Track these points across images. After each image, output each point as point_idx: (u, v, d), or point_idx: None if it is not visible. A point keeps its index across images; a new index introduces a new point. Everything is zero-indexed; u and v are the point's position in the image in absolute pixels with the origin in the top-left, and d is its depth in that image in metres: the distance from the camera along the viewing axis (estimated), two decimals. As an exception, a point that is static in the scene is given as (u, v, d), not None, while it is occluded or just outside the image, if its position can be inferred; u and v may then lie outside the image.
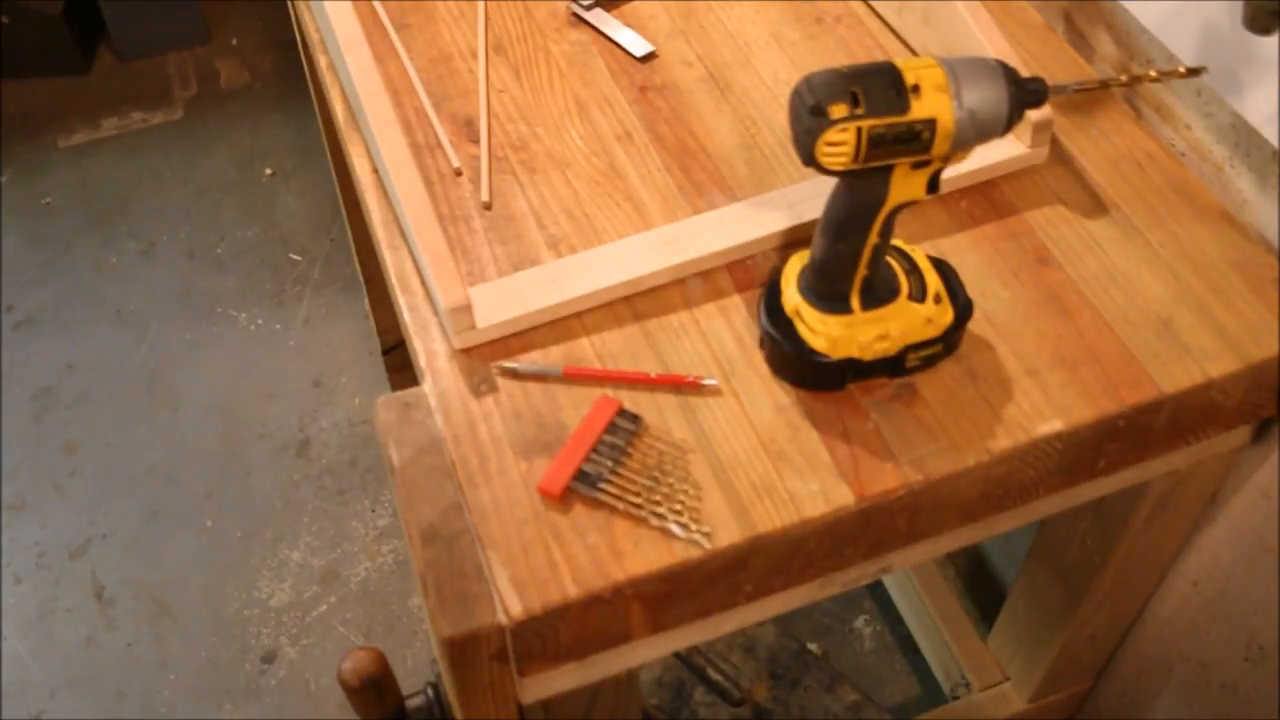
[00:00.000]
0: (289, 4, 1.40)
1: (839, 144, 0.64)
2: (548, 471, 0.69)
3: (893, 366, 0.73)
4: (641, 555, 0.66)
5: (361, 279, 1.60)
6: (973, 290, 0.78)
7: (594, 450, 0.69)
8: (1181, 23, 0.83)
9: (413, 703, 0.94)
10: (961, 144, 0.66)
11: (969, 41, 0.85)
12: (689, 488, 0.69)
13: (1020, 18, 0.96)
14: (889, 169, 0.66)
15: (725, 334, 0.76)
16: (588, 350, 0.75)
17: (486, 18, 0.97)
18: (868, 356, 0.72)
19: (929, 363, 0.74)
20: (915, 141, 0.65)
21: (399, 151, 0.78)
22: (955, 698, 1.30)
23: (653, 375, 0.73)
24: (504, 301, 0.76)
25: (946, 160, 0.67)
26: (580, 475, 0.69)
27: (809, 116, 0.64)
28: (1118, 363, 0.74)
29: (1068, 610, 1.06)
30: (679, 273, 0.79)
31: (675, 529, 0.67)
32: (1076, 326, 0.76)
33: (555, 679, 0.71)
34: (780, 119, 0.89)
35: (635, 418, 0.71)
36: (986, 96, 0.65)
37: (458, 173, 0.86)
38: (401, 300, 0.79)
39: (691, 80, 0.93)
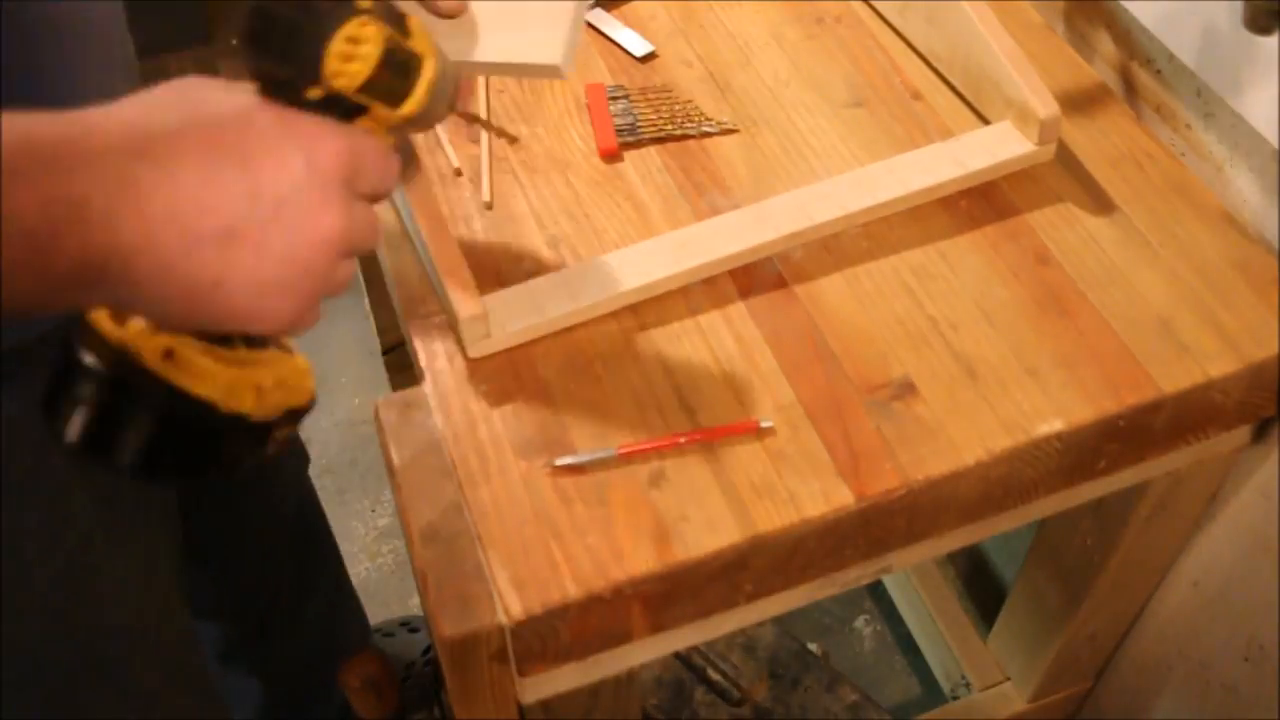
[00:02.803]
0: (289, 4, 1.41)
1: (360, 43, 0.51)
2: (597, 141, 0.86)
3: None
4: (641, 555, 0.66)
5: (361, 279, 1.60)
6: (973, 290, 0.78)
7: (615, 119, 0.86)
8: (1181, 23, 0.83)
9: (417, 716, 0.95)
10: (431, 109, 0.55)
11: (974, 42, 0.85)
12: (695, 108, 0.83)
13: (1020, 18, 0.96)
14: (350, 120, 0.53)
15: (726, 336, 0.76)
16: (592, 358, 0.75)
17: (486, 18, 0.97)
18: (261, 414, 0.53)
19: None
20: (405, 79, 0.54)
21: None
22: (955, 698, 1.30)
23: (712, 429, 0.71)
24: (518, 309, 0.76)
25: (399, 130, 0.56)
26: (619, 130, 0.85)
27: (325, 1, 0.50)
28: (1118, 363, 0.74)
29: (1068, 610, 1.06)
30: (690, 278, 0.78)
31: (708, 128, 0.85)
32: (1076, 326, 0.76)
33: (555, 679, 0.71)
34: (781, 119, 0.89)
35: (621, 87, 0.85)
36: (446, 60, 0.57)
37: (458, 173, 0.86)
38: (400, 302, 0.79)
39: (691, 80, 0.93)
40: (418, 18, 0.56)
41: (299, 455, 1.15)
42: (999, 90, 0.84)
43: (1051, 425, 0.72)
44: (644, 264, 0.78)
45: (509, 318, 0.75)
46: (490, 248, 0.81)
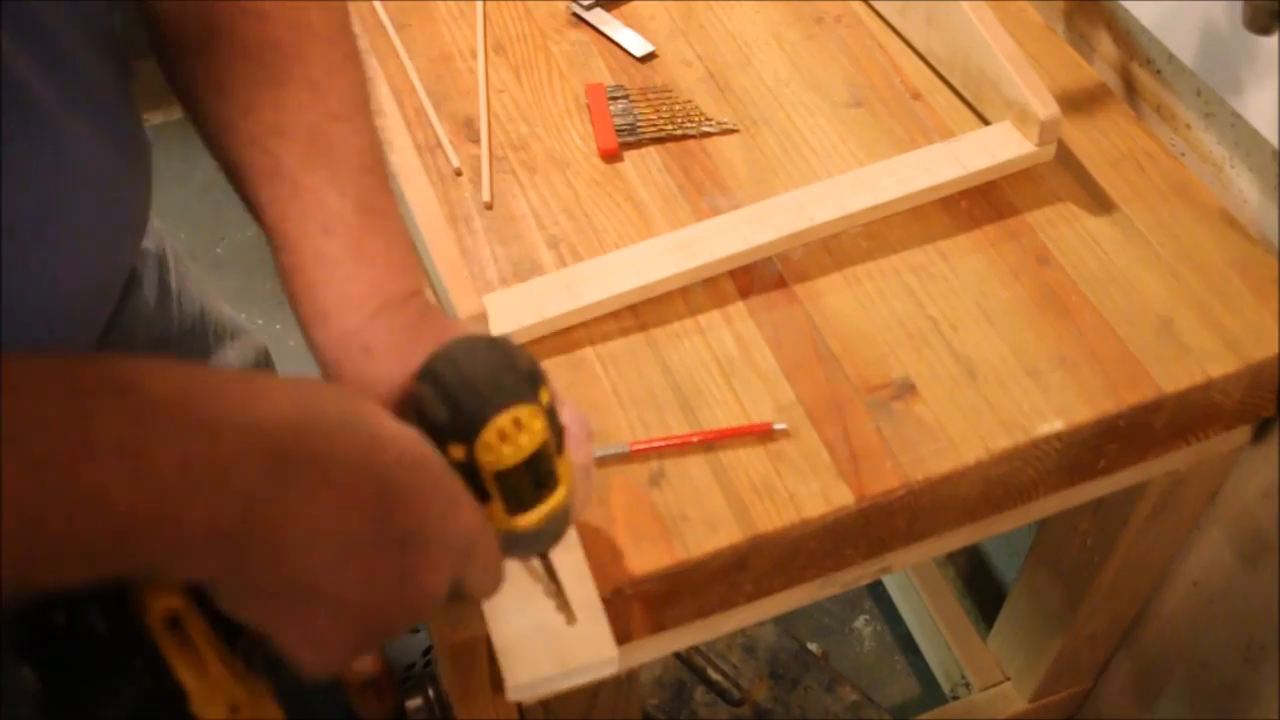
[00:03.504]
0: (289, 4, 1.40)
1: (522, 431, 0.49)
2: (598, 141, 0.87)
3: None
4: (641, 555, 0.66)
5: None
6: (973, 290, 0.78)
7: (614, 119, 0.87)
8: (1181, 23, 0.83)
9: (412, 703, 0.95)
10: (540, 537, 0.53)
11: (974, 42, 0.85)
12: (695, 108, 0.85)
13: (1020, 18, 0.96)
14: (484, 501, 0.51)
15: (726, 336, 0.76)
16: (592, 358, 0.75)
17: (486, 18, 0.97)
18: None
19: None
20: (536, 490, 0.52)
21: (409, 158, 0.78)
22: (955, 698, 1.30)
23: (723, 429, 0.70)
24: (518, 309, 0.76)
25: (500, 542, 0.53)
26: (619, 130, 0.86)
27: (515, 374, 0.50)
28: (1118, 363, 0.74)
29: (1068, 610, 1.06)
30: (691, 278, 0.78)
31: (708, 128, 0.86)
32: (1076, 326, 0.76)
33: (555, 679, 0.71)
34: (781, 119, 0.89)
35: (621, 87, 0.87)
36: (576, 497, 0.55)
37: (458, 173, 0.86)
38: (401, 300, 0.79)
39: (691, 80, 0.93)
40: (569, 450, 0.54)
41: None
42: (999, 91, 0.84)
43: (1051, 425, 0.72)
44: (644, 264, 0.78)
45: (509, 318, 0.75)
46: (490, 248, 0.81)
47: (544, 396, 0.50)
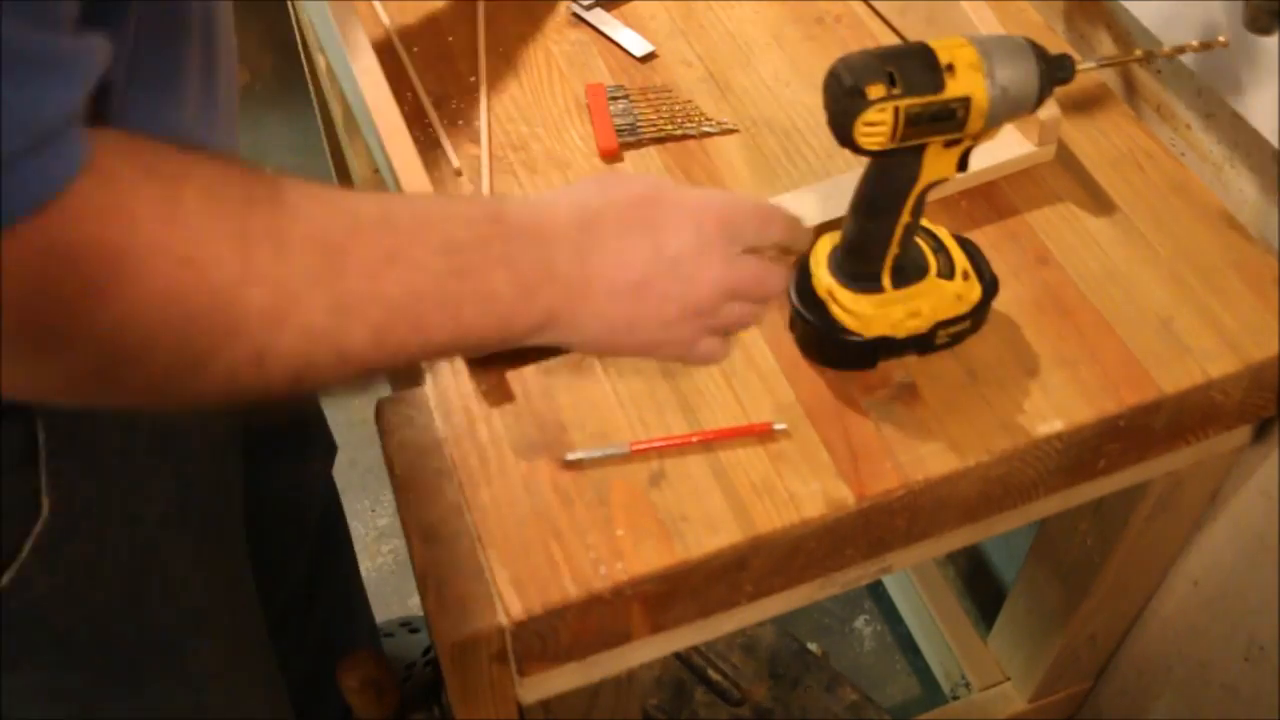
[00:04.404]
0: (289, 4, 1.40)
1: (877, 124, 0.64)
2: (598, 142, 0.87)
3: (923, 344, 0.74)
4: (641, 555, 0.66)
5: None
6: (973, 290, 0.78)
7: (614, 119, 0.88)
8: (1181, 23, 0.83)
9: (416, 716, 0.95)
10: (994, 121, 0.67)
11: (969, 41, 0.85)
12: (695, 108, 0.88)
13: (1020, 18, 0.96)
14: (922, 148, 0.67)
15: (725, 334, 0.76)
16: (592, 358, 0.75)
17: (486, 18, 0.97)
18: (900, 334, 0.73)
19: (957, 339, 0.75)
20: (950, 120, 0.65)
21: (410, 159, 0.78)
22: (955, 698, 1.30)
23: (723, 429, 0.72)
24: None
25: (978, 138, 0.68)
26: (619, 130, 0.86)
27: (846, 98, 0.64)
28: (1118, 363, 0.74)
29: (1068, 610, 1.06)
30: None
31: (708, 128, 0.87)
32: (1076, 326, 0.76)
33: (555, 679, 0.71)
34: (781, 119, 0.89)
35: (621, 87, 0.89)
36: (1017, 73, 0.66)
37: (458, 173, 0.86)
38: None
39: (691, 80, 0.93)
40: (970, 52, 0.66)
41: (330, 447, 1.15)
42: (999, 90, 0.84)
43: (1051, 425, 0.72)
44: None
45: None
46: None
47: (873, 92, 0.64)
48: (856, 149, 0.66)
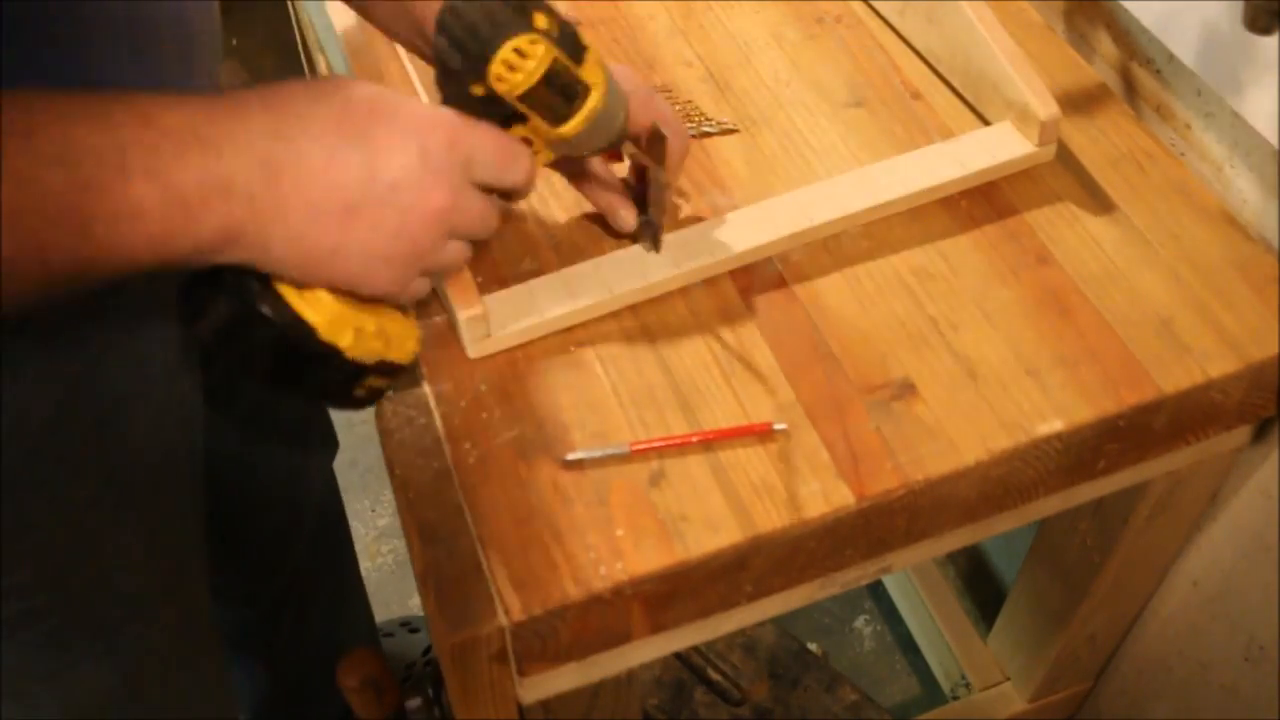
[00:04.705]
0: (289, 4, 1.40)
1: (527, 57, 0.57)
2: None
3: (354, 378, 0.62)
4: (641, 555, 0.66)
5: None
6: (973, 290, 0.78)
7: None
8: (1181, 23, 0.83)
9: (411, 703, 0.95)
10: (589, 136, 0.62)
11: (974, 42, 0.85)
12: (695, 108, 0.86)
13: (1020, 18, 0.96)
14: (509, 124, 0.60)
15: (726, 336, 0.76)
16: (592, 358, 0.75)
17: (486, 18, 0.97)
18: (356, 353, 0.60)
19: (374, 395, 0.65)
20: (569, 101, 0.60)
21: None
22: (955, 698, 1.30)
23: (723, 429, 0.71)
24: (517, 309, 0.76)
25: (558, 148, 0.62)
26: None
27: (506, 10, 0.56)
28: (1118, 363, 0.74)
29: (1068, 610, 1.06)
30: (691, 278, 0.78)
31: (708, 128, 0.85)
32: (1076, 326, 0.76)
33: (555, 679, 0.71)
34: (781, 119, 0.89)
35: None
36: (619, 106, 0.64)
37: (458, 173, 0.86)
38: (401, 300, 0.79)
39: (691, 80, 0.93)
40: (598, 51, 0.61)
41: (329, 440, 1.15)
42: (999, 91, 0.84)
43: (1051, 425, 0.72)
44: (644, 264, 0.78)
45: (509, 318, 0.75)
46: (490, 248, 0.81)
47: (539, 21, 0.57)
48: (480, 84, 0.57)
